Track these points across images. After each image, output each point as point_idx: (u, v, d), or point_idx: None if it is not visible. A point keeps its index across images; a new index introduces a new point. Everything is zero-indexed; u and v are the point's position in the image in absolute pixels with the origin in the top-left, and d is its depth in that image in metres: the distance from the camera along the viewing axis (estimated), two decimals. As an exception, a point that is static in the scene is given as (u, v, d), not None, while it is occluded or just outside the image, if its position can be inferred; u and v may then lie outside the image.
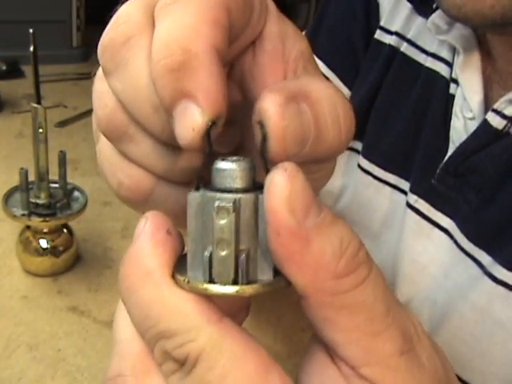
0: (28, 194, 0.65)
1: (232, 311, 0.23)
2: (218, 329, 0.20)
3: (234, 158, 0.22)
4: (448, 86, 0.53)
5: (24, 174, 0.64)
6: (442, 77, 0.53)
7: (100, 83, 0.25)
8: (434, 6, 0.52)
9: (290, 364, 0.21)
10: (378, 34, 0.60)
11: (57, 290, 0.68)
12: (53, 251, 0.69)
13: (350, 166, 0.63)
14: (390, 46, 0.59)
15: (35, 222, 0.66)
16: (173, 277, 0.21)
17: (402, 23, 0.58)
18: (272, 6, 0.26)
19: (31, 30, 0.60)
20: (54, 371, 0.57)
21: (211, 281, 0.21)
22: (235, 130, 0.26)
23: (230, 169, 0.21)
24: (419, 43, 0.56)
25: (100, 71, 0.25)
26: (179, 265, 0.22)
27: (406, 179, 0.56)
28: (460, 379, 0.48)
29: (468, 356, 0.48)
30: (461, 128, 0.50)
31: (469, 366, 0.48)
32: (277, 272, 0.21)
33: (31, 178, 0.65)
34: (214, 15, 0.22)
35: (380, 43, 0.60)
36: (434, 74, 0.54)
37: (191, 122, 0.21)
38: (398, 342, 0.21)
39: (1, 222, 0.74)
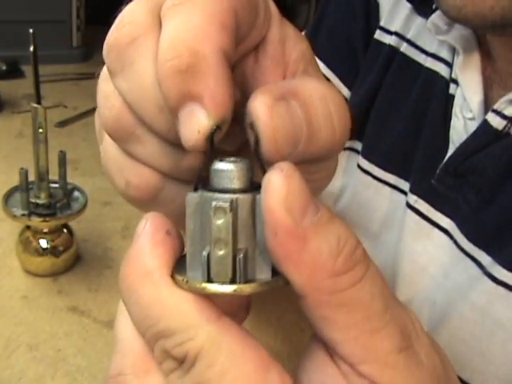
0: (28, 193, 0.65)
1: (231, 310, 0.23)
2: (216, 327, 0.21)
3: (232, 158, 0.22)
4: (448, 87, 0.53)
5: (24, 174, 0.64)
6: (442, 77, 0.53)
7: (105, 84, 0.25)
8: (434, 6, 0.52)
9: (289, 364, 0.21)
10: (378, 34, 0.60)
11: (57, 290, 0.68)
12: (53, 251, 0.69)
13: (350, 167, 0.63)
14: (389, 46, 0.59)
15: (35, 221, 0.66)
16: (172, 277, 0.22)
17: (402, 23, 0.58)
18: (274, 10, 0.26)
19: (31, 30, 0.60)
20: (53, 371, 0.57)
21: (210, 280, 0.21)
22: (239, 129, 0.26)
23: (227, 169, 0.22)
24: (419, 43, 0.57)
25: (105, 72, 0.25)
26: (179, 265, 0.22)
27: (406, 179, 0.56)
28: (460, 379, 0.48)
29: (468, 356, 0.48)
30: (461, 128, 0.50)
31: (468, 366, 0.48)
32: (275, 271, 0.21)
33: (31, 178, 0.65)
34: (221, 17, 0.22)
35: (380, 43, 0.60)
36: (434, 74, 0.54)
37: (197, 124, 0.21)
38: (396, 340, 0.21)
39: (1, 222, 0.74)
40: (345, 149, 0.64)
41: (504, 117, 0.46)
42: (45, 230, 0.69)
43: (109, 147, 0.27)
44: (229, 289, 0.20)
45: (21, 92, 1.16)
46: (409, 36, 0.57)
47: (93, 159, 0.93)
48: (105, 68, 0.25)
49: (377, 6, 0.61)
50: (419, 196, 0.53)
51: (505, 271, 0.46)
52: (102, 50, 0.25)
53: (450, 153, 0.51)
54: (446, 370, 0.23)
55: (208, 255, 0.21)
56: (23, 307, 0.65)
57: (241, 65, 0.26)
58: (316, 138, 0.23)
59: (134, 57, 0.23)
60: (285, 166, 0.20)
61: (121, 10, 0.24)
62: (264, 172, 0.20)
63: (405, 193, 0.56)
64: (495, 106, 0.47)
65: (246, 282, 0.21)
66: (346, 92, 0.65)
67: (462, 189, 0.50)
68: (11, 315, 0.63)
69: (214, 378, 0.20)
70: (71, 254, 0.71)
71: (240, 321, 0.25)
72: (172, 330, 0.21)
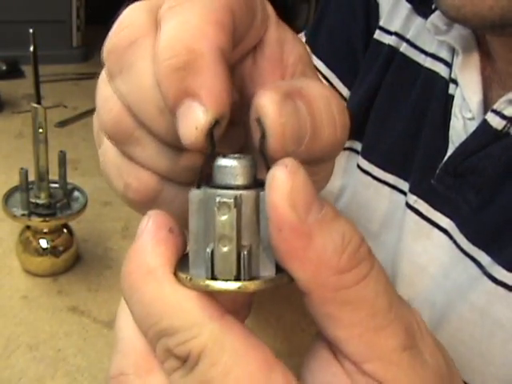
0: (28, 193, 0.65)
1: (235, 308, 0.23)
2: (219, 325, 0.20)
3: (236, 155, 0.22)
4: (447, 87, 0.53)
5: (24, 174, 0.64)
6: (442, 77, 0.53)
7: (104, 87, 0.25)
8: (433, 6, 0.52)
9: (290, 364, 0.21)
10: (378, 34, 0.60)
11: (57, 290, 0.68)
12: (53, 251, 0.69)
13: (350, 167, 0.63)
14: (389, 46, 0.59)
15: (35, 221, 0.66)
16: (175, 274, 0.21)
17: (402, 23, 0.58)
18: (271, 12, 0.26)
19: (31, 30, 0.60)
20: (53, 371, 0.57)
21: (213, 277, 0.21)
22: (238, 131, 0.26)
23: (231, 166, 0.21)
24: (418, 43, 0.57)
25: (103, 75, 0.26)
26: (181, 263, 0.22)
27: (406, 179, 0.56)
28: (459, 379, 0.49)
29: (467, 356, 0.48)
30: (460, 128, 0.50)
31: (468, 367, 0.48)
32: (279, 268, 0.21)
33: (31, 177, 0.65)
34: (219, 17, 0.22)
35: (379, 43, 0.60)
36: (434, 74, 0.54)
37: (194, 120, 0.21)
38: (400, 338, 0.21)
39: (1, 222, 0.74)
40: (344, 149, 0.64)
41: (503, 117, 0.46)
42: (45, 230, 0.69)
43: (108, 150, 0.27)
44: (233, 286, 0.20)
45: (21, 92, 1.16)
46: (408, 36, 0.57)
47: (93, 159, 0.93)
48: (103, 71, 0.25)
49: (376, 6, 0.61)
50: (419, 196, 0.54)
51: (504, 271, 0.46)
52: (101, 50, 0.25)
53: (449, 153, 0.51)
54: (450, 370, 0.23)
55: (212, 252, 0.21)
56: (23, 307, 0.65)
57: (239, 67, 0.26)
58: (319, 137, 0.23)
59: (132, 59, 0.23)
60: (289, 162, 0.20)
61: (120, 12, 0.24)
62: (268, 169, 0.20)
63: (404, 193, 0.56)
64: (495, 106, 0.47)
65: (250, 279, 0.21)
66: (345, 92, 0.65)
67: (461, 189, 0.50)
68: (11, 315, 0.63)
69: (218, 377, 0.20)
70: (71, 254, 0.71)
71: (243, 319, 0.25)
72: (175, 328, 0.21)
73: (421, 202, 0.53)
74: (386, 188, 0.58)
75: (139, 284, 0.21)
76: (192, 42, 0.21)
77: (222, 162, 0.22)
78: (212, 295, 0.21)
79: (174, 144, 0.24)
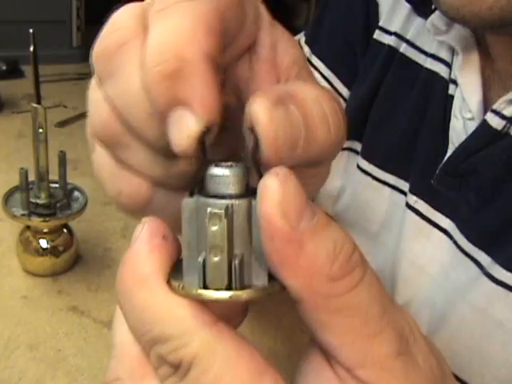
0: (28, 194, 0.65)
1: (227, 315, 0.23)
2: (211, 333, 0.21)
3: (228, 163, 0.22)
4: (447, 87, 0.53)
5: (24, 174, 0.64)
6: (441, 77, 0.53)
7: (94, 91, 0.25)
8: (433, 6, 0.52)
9: (290, 365, 0.21)
10: (377, 35, 0.60)
11: (57, 290, 0.68)
12: (53, 251, 0.69)
13: (349, 167, 0.63)
14: (389, 46, 0.59)
15: (35, 221, 0.66)
16: (168, 282, 0.21)
17: (401, 24, 0.58)
18: (265, 14, 0.26)
19: (31, 30, 0.60)
20: (53, 371, 0.57)
21: (205, 286, 0.21)
22: (230, 136, 0.26)
23: (223, 175, 0.21)
24: (418, 44, 0.57)
25: (93, 80, 0.25)
26: (175, 270, 0.22)
27: (406, 180, 0.56)
28: (459, 380, 0.49)
29: (467, 357, 0.48)
30: (460, 128, 0.50)
31: (468, 367, 0.48)
32: (271, 277, 0.21)
33: (31, 177, 0.65)
34: (208, 21, 0.22)
35: (379, 43, 0.60)
36: (433, 74, 0.54)
37: (186, 129, 0.21)
38: (393, 344, 0.21)
39: (1, 222, 0.74)
40: (344, 149, 0.64)
41: (503, 117, 0.46)
42: (45, 230, 0.69)
43: (101, 156, 0.27)
44: (224, 295, 0.20)
45: (21, 92, 1.16)
46: (408, 36, 0.57)
47: (93, 159, 0.93)
48: (94, 76, 0.25)
49: (376, 6, 0.61)
50: (419, 196, 0.54)
51: (504, 271, 0.46)
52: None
53: (449, 153, 0.51)
54: (444, 374, 0.23)
55: (204, 261, 0.21)
56: (23, 307, 0.65)
57: (235, 69, 0.26)
58: (313, 139, 0.23)
59: (120, 63, 0.23)
60: (280, 170, 0.20)
61: (111, 14, 0.24)
62: (260, 177, 0.20)
63: (404, 193, 0.56)
64: (494, 106, 0.47)
65: (242, 287, 0.21)
66: (345, 92, 0.65)
67: (461, 189, 0.50)
68: (11, 315, 0.63)
69: None
70: (71, 254, 0.71)
71: (236, 325, 0.25)
72: (167, 335, 0.21)
73: (421, 202, 0.53)
74: (386, 188, 0.58)
75: (132, 291, 0.22)
76: (180, 48, 0.21)
77: (214, 171, 0.22)
78: (204, 303, 0.21)
79: (163, 150, 0.24)
